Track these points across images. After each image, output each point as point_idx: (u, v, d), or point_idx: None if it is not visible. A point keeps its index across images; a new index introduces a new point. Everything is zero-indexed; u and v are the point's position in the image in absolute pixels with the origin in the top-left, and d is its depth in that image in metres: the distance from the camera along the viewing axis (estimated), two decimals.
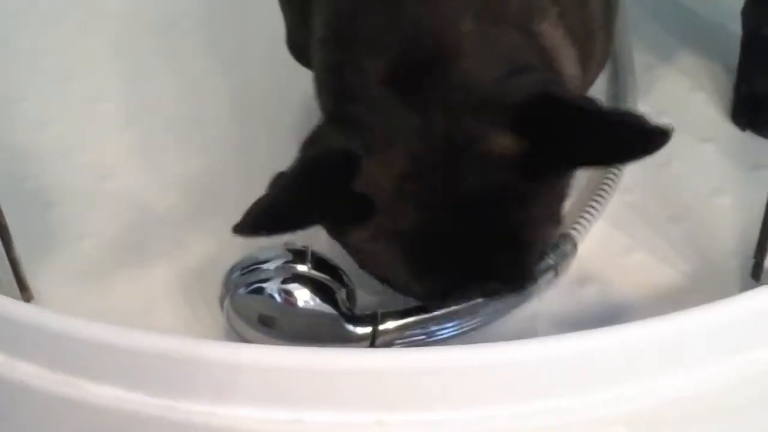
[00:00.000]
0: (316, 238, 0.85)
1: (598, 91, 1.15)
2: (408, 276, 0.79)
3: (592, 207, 0.99)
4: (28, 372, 0.79)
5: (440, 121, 0.74)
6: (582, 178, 1.04)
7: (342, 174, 0.74)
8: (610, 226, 1.00)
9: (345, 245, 0.81)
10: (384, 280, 0.83)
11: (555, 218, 0.82)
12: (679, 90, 1.16)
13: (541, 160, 0.74)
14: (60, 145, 1.12)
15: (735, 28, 1.15)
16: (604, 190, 1.01)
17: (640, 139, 0.70)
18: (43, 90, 1.20)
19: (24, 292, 0.90)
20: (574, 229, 0.96)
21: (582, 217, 0.98)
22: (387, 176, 0.75)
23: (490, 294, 0.86)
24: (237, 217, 0.98)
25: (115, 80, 1.20)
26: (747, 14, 1.13)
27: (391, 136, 0.75)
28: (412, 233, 0.76)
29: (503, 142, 0.74)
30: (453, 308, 0.87)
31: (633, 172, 1.05)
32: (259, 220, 0.72)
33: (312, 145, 0.76)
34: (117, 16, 1.30)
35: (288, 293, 0.84)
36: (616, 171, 1.03)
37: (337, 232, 0.80)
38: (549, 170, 0.76)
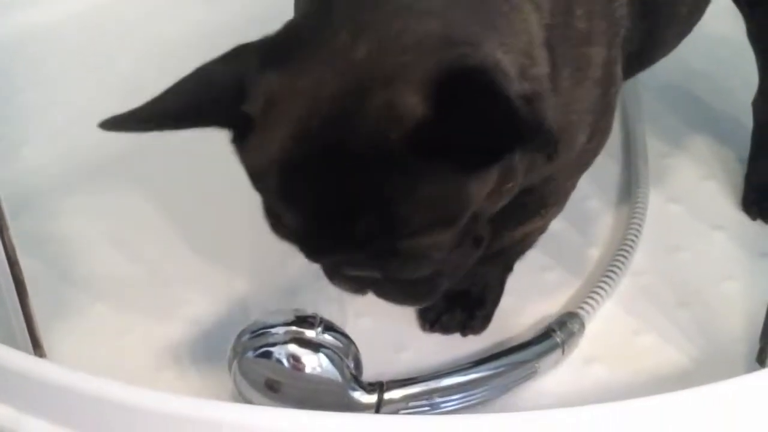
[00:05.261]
0: (326, 305, 0.87)
1: (611, 176, 1.18)
2: (280, 204, 0.74)
3: (601, 287, 1.00)
4: (37, 427, 0.80)
5: (366, 48, 0.69)
6: (592, 257, 1.06)
7: (230, 93, 0.71)
8: (619, 307, 1.01)
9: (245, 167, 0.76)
10: (271, 215, 0.77)
11: (447, 221, 0.73)
12: (691, 178, 1.18)
13: (438, 136, 0.68)
14: (79, 212, 1.13)
15: (746, 119, 1.17)
16: (613, 271, 1.02)
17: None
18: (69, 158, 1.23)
19: (37, 348, 0.91)
20: (582, 308, 0.97)
21: (590, 297, 0.99)
22: (280, 94, 0.71)
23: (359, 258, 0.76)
24: (248, 281, 1.01)
25: (125, 149, 1.16)
26: (757, 106, 1.15)
27: (311, 51, 0.71)
28: (283, 159, 0.71)
29: (411, 100, 0.68)
30: (459, 381, 0.88)
31: (644, 256, 1.06)
32: (131, 117, 0.71)
33: (226, 57, 0.73)
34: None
35: (296, 358, 0.85)
36: (626, 253, 1.04)
37: (238, 150, 0.75)
38: (442, 152, 0.69)
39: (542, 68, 0.78)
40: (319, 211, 0.72)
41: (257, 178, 0.74)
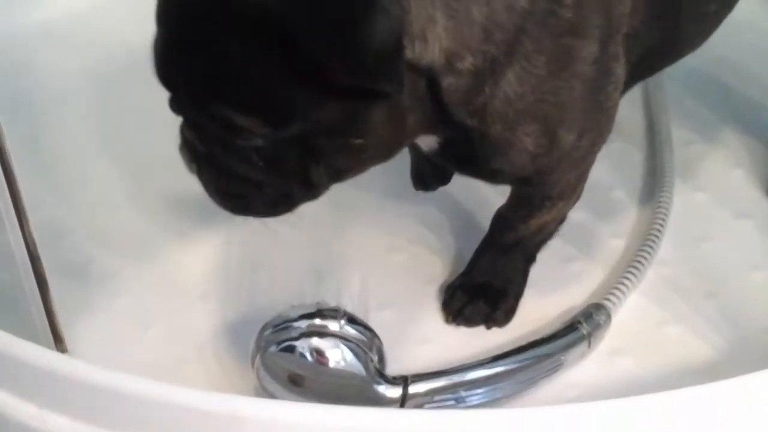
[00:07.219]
0: (348, 298, 0.86)
1: (636, 165, 1.16)
2: (156, 21, 0.77)
3: (627, 279, 0.99)
4: (58, 424, 0.79)
5: None
6: (617, 247, 1.05)
7: None
8: (645, 298, 1.00)
9: None
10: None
11: (266, 115, 0.75)
12: (717, 166, 1.17)
13: (297, 23, 0.69)
14: (99, 208, 1.13)
15: None
16: (639, 261, 1.00)
17: None
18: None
19: (59, 344, 0.91)
20: (608, 299, 0.96)
21: (617, 287, 0.97)
22: None
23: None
24: (270, 274, 1.01)
25: (152, 151, 1.16)
26: None
27: None
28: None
29: None
30: (484, 374, 0.88)
31: (670, 246, 1.05)
32: None
33: None
34: None
35: (319, 352, 0.84)
36: (652, 243, 1.03)
37: None
38: (292, 43, 0.70)
39: (491, 49, 0.76)
40: (174, 38, 0.75)
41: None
